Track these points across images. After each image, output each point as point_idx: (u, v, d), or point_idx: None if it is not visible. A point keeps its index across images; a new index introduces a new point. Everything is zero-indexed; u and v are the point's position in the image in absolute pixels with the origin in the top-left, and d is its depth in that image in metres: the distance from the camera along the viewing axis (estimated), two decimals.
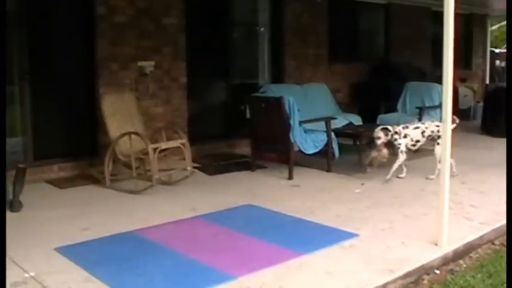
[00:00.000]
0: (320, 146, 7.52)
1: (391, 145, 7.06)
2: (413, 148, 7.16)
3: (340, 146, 7.87)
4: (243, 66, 10.08)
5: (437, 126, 6.91)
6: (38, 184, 6.87)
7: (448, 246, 4.62)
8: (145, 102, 8.04)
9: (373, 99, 10.06)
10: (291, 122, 7.17)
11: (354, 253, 4.55)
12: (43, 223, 5.40)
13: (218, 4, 9.27)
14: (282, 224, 5.40)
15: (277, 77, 10.06)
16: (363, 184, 6.85)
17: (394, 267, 4.24)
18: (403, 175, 7.17)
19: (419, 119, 8.77)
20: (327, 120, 7.56)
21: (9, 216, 5.44)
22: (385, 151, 6.97)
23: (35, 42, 7.20)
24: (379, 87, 10.54)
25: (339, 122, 8.33)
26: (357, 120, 9.03)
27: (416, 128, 7.13)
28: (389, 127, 6.97)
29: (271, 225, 5.36)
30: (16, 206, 5.86)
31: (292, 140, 7.20)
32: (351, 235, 4.94)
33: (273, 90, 8.45)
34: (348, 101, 10.84)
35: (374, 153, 7.04)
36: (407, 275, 4.20)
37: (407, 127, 7.09)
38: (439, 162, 5.86)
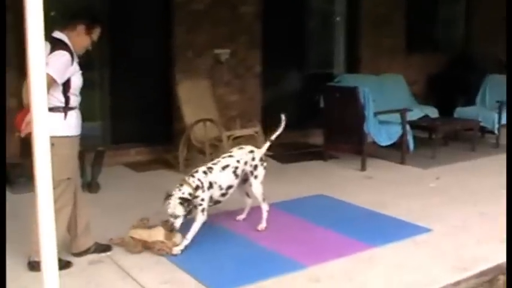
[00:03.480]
0: (394, 138, 7.41)
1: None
2: (223, 199, 4.68)
3: (415, 138, 7.73)
4: (318, 55, 10.02)
5: (252, 152, 4.90)
6: (115, 167, 7.08)
7: None
8: (220, 90, 8.12)
9: (451, 91, 9.82)
10: (366, 112, 7.08)
11: (426, 249, 4.48)
12: (119, 205, 5.57)
13: None
14: (354, 215, 5.36)
15: (353, 67, 9.95)
16: (438, 178, 6.70)
17: (468, 265, 4.14)
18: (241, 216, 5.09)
19: (499, 114, 8.51)
20: (403, 111, 7.43)
21: (88, 197, 5.62)
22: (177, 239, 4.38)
23: (114, 30, 7.37)
24: (457, 79, 10.26)
25: (415, 114, 8.18)
26: (433, 112, 8.84)
27: (225, 167, 4.66)
28: (186, 188, 4.34)
29: (343, 216, 5.33)
30: (94, 188, 6.08)
31: (366, 131, 7.12)
32: (423, 230, 4.85)
33: (348, 81, 8.36)
34: (425, 93, 10.60)
35: (156, 241, 4.30)
36: (482, 274, 4.09)
37: (211, 169, 4.58)
38: (263, 201, 4.83)
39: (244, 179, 4.86)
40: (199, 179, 4.45)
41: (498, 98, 8.95)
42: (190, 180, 4.44)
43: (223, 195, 4.64)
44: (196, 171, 4.52)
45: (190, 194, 4.35)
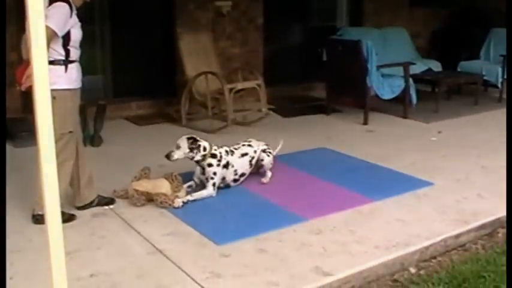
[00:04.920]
0: (397, 91, 7.38)
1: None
2: (234, 184, 4.78)
3: (418, 92, 7.69)
4: (321, 8, 9.89)
5: (267, 145, 5.08)
6: (117, 121, 7.08)
7: None
8: (222, 43, 8.05)
9: (455, 45, 9.72)
10: (368, 66, 7.04)
11: (428, 202, 4.50)
12: (122, 159, 5.58)
13: None
14: (356, 169, 5.38)
15: (356, 20, 9.83)
16: (439, 132, 6.70)
17: (468, 218, 4.17)
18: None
19: (503, 68, 8.44)
20: (405, 65, 7.37)
21: (91, 150, 5.67)
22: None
23: None
24: (462, 33, 10.14)
25: (418, 67, 8.13)
26: (436, 66, 8.79)
27: (244, 154, 4.84)
28: (205, 143, 4.63)
29: (345, 169, 5.34)
30: (97, 141, 6.09)
31: (368, 85, 7.09)
32: (425, 184, 4.87)
33: (351, 34, 8.28)
34: (428, 47, 10.49)
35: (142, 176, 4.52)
36: (481, 227, 4.13)
37: (232, 152, 4.77)
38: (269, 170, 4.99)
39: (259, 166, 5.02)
40: (220, 152, 4.66)
41: (502, 52, 8.86)
42: (214, 146, 4.68)
43: (235, 180, 4.79)
44: (222, 147, 4.74)
45: (204, 148, 4.58)
